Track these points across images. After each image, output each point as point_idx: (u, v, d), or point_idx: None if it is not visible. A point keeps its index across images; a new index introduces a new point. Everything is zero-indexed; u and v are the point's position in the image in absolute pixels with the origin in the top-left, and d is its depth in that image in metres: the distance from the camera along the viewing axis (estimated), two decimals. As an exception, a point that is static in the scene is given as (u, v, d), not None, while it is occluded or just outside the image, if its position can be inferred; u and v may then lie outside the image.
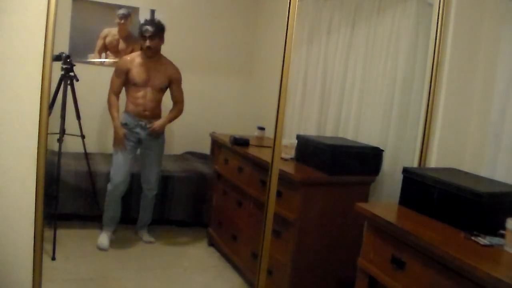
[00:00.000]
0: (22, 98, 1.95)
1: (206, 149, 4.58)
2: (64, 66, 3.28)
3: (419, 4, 2.62)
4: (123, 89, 3.49)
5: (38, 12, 1.94)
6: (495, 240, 1.62)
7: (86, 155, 3.49)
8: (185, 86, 4.65)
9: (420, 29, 2.63)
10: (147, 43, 3.34)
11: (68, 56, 3.29)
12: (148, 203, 3.59)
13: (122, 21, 4.32)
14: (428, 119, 2.44)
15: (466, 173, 2.16)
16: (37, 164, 1.99)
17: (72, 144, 3.85)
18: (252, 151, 3.11)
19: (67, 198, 3.51)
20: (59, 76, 3.28)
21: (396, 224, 1.78)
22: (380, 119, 2.83)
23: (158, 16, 4.43)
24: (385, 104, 2.80)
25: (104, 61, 4.33)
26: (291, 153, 2.88)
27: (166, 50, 4.48)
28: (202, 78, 4.68)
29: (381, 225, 1.85)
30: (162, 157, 3.62)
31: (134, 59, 3.43)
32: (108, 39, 4.31)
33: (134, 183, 3.67)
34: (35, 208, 2.03)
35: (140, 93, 3.41)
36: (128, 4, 4.32)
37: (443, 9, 2.38)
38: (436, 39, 2.40)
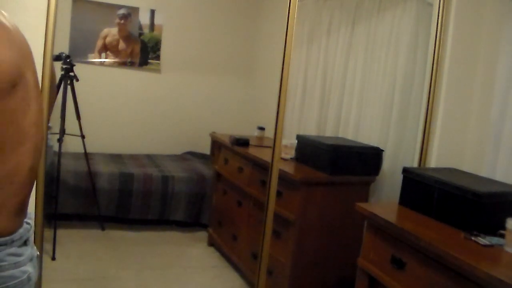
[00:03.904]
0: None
1: (206, 149, 4.58)
2: (64, 66, 3.28)
3: (419, 4, 2.63)
4: None
5: (38, 12, 1.94)
6: (495, 240, 1.62)
7: (86, 155, 3.49)
8: (186, 86, 4.67)
9: (420, 29, 2.63)
10: None
11: (68, 56, 3.29)
12: None
13: (122, 21, 4.32)
14: (428, 119, 2.44)
15: (466, 173, 2.16)
16: (37, 164, 1.99)
17: (72, 144, 3.85)
18: (252, 151, 3.11)
19: (67, 198, 3.51)
20: (59, 76, 3.28)
21: (396, 224, 1.78)
22: (380, 119, 2.83)
23: (158, 16, 4.44)
24: (385, 104, 2.80)
25: (104, 61, 4.33)
26: (291, 153, 2.88)
27: (166, 50, 4.50)
28: (202, 78, 4.69)
29: (381, 225, 1.85)
30: None
31: None
32: (108, 39, 4.31)
33: (134, 183, 3.68)
34: (35, 208, 2.03)
35: None
36: (128, 4, 4.33)
37: (443, 9, 2.38)
38: (436, 39, 2.40)
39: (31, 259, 1.03)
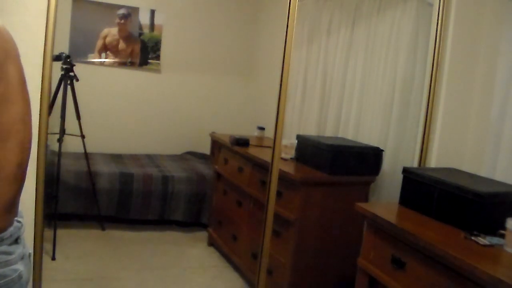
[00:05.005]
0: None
1: (206, 149, 4.58)
2: (64, 66, 3.28)
3: (419, 4, 2.63)
4: None
5: (38, 12, 1.94)
6: (495, 240, 1.62)
7: (86, 155, 3.49)
8: (186, 86, 4.67)
9: (420, 29, 2.63)
10: None
11: (68, 56, 3.29)
12: None
13: (122, 21, 4.32)
14: (428, 119, 2.44)
15: (466, 173, 2.16)
16: (37, 164, 2.00)
17: (72, 144, 3.85)
18: (252, 151, 3.11)
19: (67, 198, 3.51)
20: (59, 76, 3.28)
21: (396, 224, 1.78)
22: (380, 119, 2.83)
23: (158, 16, 4.44)
24: (385, 104, 2.80)
25: (104, 61, 4.33)
26: (291, 153, 2.88)
27: (166, 50, 4.50)
28: (202, 78, 4.69)
29: (381, 225, 1.85)
30: None
31: None
32: (108, 39, 4.31)
33: (134, 183, 3.68)
34: (35, 208, 2.03)
35: None
36: (128, 4, 4.33)
37: (443, 9, 2.38)
38: (436, 39, 2.40)
39: (22, 258, 1.03)
